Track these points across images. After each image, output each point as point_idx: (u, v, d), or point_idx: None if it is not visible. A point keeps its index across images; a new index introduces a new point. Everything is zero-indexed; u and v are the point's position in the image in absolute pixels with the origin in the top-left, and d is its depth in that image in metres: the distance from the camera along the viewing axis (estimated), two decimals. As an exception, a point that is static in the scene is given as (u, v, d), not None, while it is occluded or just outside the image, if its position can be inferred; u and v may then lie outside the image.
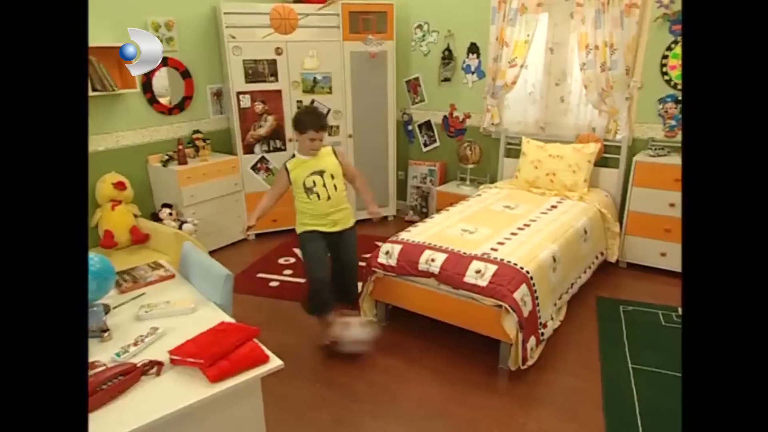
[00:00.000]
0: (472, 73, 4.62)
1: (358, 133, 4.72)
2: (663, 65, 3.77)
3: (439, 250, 2.79)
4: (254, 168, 4.52)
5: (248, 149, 4.46)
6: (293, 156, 2.72)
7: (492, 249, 2.78)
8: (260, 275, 3.88)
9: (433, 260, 2.73)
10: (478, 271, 2.58)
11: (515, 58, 4.22)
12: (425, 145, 5.07)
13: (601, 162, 4.03)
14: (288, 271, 3.94)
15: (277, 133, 4.52)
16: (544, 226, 3.16)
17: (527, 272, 2.59)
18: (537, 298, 2.61)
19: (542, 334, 2.68)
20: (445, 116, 4.87)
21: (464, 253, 2.73)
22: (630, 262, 3.84)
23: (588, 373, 2.63)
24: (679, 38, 3.65)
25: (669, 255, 3.66)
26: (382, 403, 2.48)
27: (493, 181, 4.51)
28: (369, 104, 4.70)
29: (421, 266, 2.75)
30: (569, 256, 3.05)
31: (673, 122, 3.84)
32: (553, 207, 3.57)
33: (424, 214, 4.82)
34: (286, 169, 2.70)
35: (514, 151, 4.39)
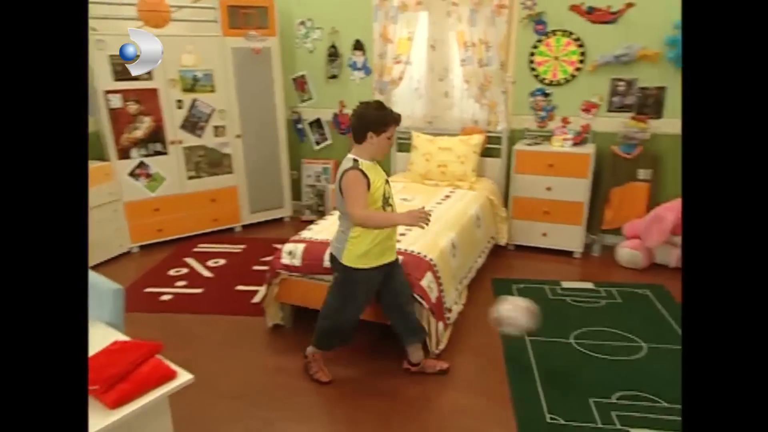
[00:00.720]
0: (359, 69, 4.68)
1: (247, 133, 4.54)
2: (531, 62, 4.14)
3: (344, 245, 2.79)
4: (133, 174, 4.15)
5: (124, 154, 4.08)
6: (354, 163, 2.21)
7: (395, 240, 2.84)
8: (149, 290, 3.57)
9: (338, 256, 2.72)
10: (384, 263, 2.62)
11: (400, 55, 4.36)
12: (317, 143, 5.04)
13: (486, 152, 4.32)
14: (181, 282, 3.68)
15: (156, 136, 4.18)
16: (441, 216, 3.31)
17: (431, 260, 2.69)
18: (441, 284, 2.73)
19: (448, 318, 2.81)
20: (335, 114, 4.88)
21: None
22: (517, 244, 4.17)
23: (491, 351, 2.80)
24: (543, 37, 4.04)
25: (549, 235, 4.04)
26: (299, 406, 2.43)
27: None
28: (256, 103, 4.55)
29: (327, 263, 2.72)
30: (466, 242, 3.23)
31: (543, 113, 4.23)
32: (447, 197, 3.76)
33: (321, 213, 4.79)
34: (365, 174, 2.18)
35: (405, 146, 4.53)
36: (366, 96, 4.64)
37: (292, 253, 2.85)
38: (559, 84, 4.10)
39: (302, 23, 4.76)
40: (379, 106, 2.29)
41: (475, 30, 4.07)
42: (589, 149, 3.84)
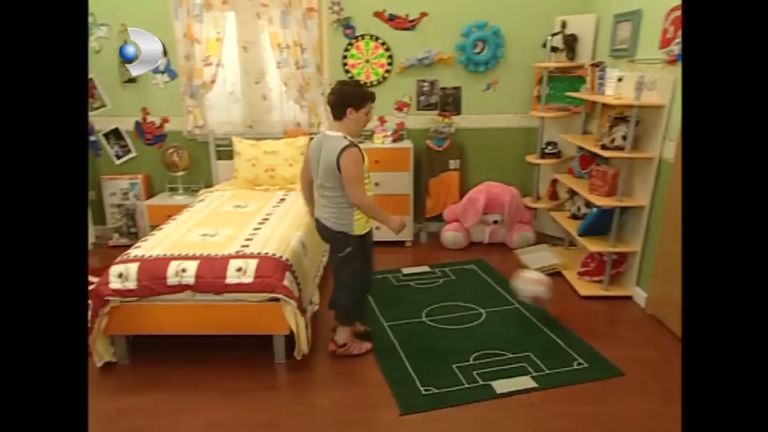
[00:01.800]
0: (162, 72, 4.31)
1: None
2: (345, 64, 4.37)
3: (188, 258, 2.56)
4: None
5: None
6: (349, 141, 2.38)
7: (243, 246, 2.72)
8: None
9: (184, 270, 2.48)
10: (239, 269, 2.49)
11: (209, 57, 4.16)
12: (118, 156, 4.46)
13: (311, 154, 4.39)
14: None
15: None
16: (283, 217, 3.27)
17: (287, 260, 2.65)
18: (299, 284, 2.70)
19: (306, 319, 2.78)
20: (137, 122, 4.40)
21: (217, 255, 2.58)
22: (353, 241, 4.34)
23: (356, 341, 2.88)
24: (353, 41, 4.30)
25: (382, 228, 4.26)
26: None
27: (208, 185, 4.35)
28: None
29: (171, 280, 2.46)
30: (313, 240, 3.24)
31: (362, 113, 4.50)
32: (282, 200, 3.72)
33: (134, 235, 4.26)
34: (361, 151, 2.39)
35: (225, 153, 4.33)
36: (175, 101, 4.30)
37: (123, 275, 2.49)
38: (372, 85, 4.40)
39: (83, 19, 4.16)
40: (356, 83, 2.57)
41: (288, 32, 4.12)
42: (408, 144, 4.23)
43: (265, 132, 4.39)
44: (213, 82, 4.23)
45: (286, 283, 2.49)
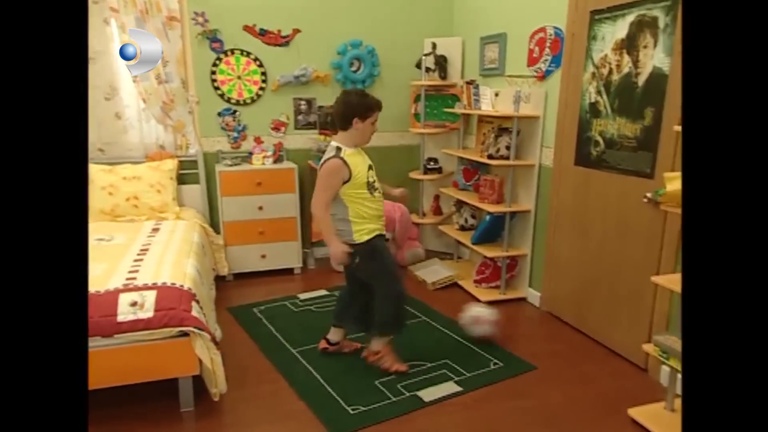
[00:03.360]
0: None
1: None
2: (214, 80, 4.19)
3: (62, 297, 2.17)
4: None
5: None
6: (338, 150, 2.45)
7: (129, 279, 2.40)
8: None
9: (60, 312, 2.09)
10: (134, 304, 2.18)
11: (47, 68, 3.66)
12: None
13: (179, 179, 4.08)
14: None
15: None
16: (167, 246, 2.96)
17: (189, 289, 2.40)
18: (205, 315, 2.46)
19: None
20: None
21: (100, 291, 2.23)
22: (237, 273, 4.08)
23: (271, 375, 2.70)
24: (222, 55, 4.15)
25: (268, 256, 4.14)
26: None
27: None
28: None
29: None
30: (204, 270, 3.00)
31: (235, 134, 4.33)
32: (156, 230, 3.37)
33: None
34: (346, 164, 2.41)
35: (71, 181, 3.80)
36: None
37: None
38: (246, 103, 4.28)
39: None
40: (362, 93, 2.61)
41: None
42: (292, 164, 4.16)
43: (121, 156, 3.97)
44: (53, 97, 3.71)
45: (194, 313, 2.25)
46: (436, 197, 4.59)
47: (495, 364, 2.85)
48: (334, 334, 2.91)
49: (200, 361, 2.25)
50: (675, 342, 2.11)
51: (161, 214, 3.70)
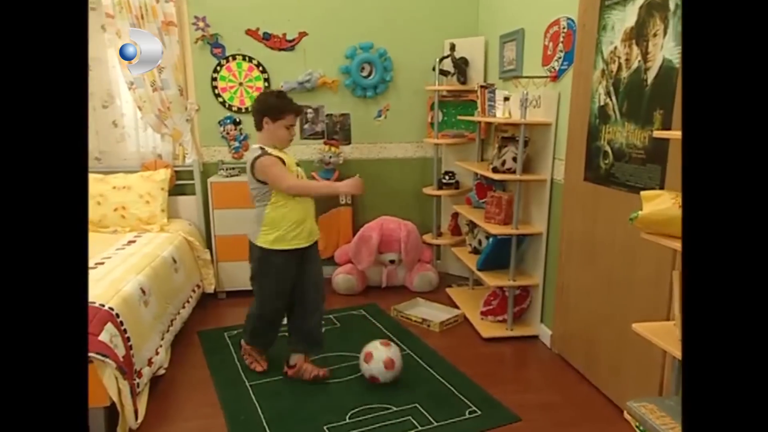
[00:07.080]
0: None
1: None
2: (215, 87, 4.22)
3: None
4: None
5: None
6: (262, 150, 2.51)
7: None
8: None
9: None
10: (40, 323, 2.15)
11: (46, 77, 3.85)
12: None
13: (176, 190, 4.12)
14: None
15: None
16: (124, 260, 2.95)
17: (111, 309, 2.33)
18: (129, 339, 2.38)
19: (138, 384, 2.43)
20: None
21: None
22: (229, 290, 4.04)
23: (210, 410, 2.57)
24: (223, 61, 4.17)
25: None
26: None
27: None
28: None
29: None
30: (162, 287, 2.96)
31: (237, 144, 4.33)
32: (131, 242, 3.40)
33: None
34: (278, 157, 2.51)
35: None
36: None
37: None
38: (248, 111, 4.26)
39: None
40: (280, 94, 2.69)
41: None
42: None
43: (117, 165, 4.07)
44: (50, 106, 3.89)
45: (102, 338, 2.17)
46: (455, 215, 4.31)
47: (471, 412, 2.54)
48: (292, 357, 2.85)
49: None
50: (652, 411, 1.71)
51: (147, 226, 3.74)
